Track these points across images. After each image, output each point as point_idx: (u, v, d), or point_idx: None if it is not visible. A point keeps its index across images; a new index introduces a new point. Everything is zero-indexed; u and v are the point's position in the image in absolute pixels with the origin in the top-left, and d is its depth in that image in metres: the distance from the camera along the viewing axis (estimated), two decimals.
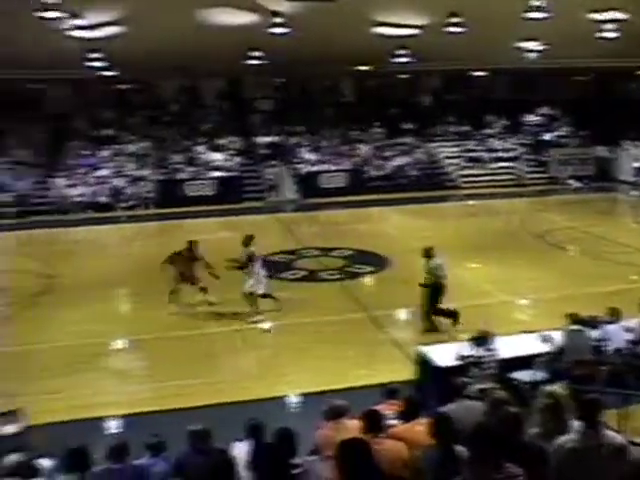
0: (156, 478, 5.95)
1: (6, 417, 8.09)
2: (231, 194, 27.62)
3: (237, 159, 29.85)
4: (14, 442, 7.32)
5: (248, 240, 13.33)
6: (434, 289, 12.28)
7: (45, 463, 6.58)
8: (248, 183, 28.63)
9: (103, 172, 28.30)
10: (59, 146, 30.12)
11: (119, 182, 27.78)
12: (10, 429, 8.00)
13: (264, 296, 13.45)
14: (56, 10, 13.44)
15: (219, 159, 29.43)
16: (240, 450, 6.16)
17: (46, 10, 13.45)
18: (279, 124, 31.74)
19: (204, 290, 13.96)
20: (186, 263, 13.89)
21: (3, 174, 27.88)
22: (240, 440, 6.32)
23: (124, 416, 9.66)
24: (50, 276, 17.40)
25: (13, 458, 5.37)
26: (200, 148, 29.89)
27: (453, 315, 12.40)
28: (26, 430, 8.17)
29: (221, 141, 30.45)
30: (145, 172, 28.54)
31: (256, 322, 13.27)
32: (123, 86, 32.92)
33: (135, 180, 27.97)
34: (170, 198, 27.20)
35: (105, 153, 29.58)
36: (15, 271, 18.40)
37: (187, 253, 13.99)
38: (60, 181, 27.59)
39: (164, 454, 6.29)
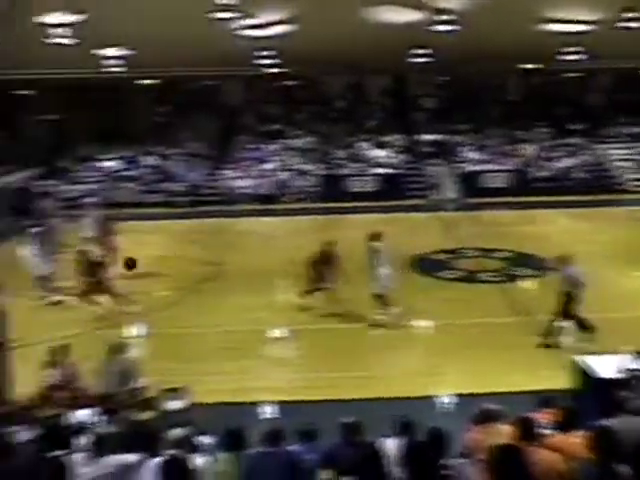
0: (306, 466, 6.05)
1: (173, 393, 8.59)
2: (393, 191, 27.68)
3: (400, 156, 29.91)
4: (179, 417, 7.79)
5: (375, 237, 13.11)
6: (568, 298, 11.72)
7: (205, 440, 6.97)
8: (410, 181, 28.55)
9: (269, 165, 29.29)
10: (229, 139, 31.52)
11: (284, 176, 28.65)
12: (176, 405, 8.49)
13: (378, 296, 13.13)
14: (230, 11, 14.05)
15: (382, 156, 29.61)
16: (390, 446, 6.15)
17: (221, 11, 14.09)
18: (442, 122, 31.42)
19: (324, 290, 13.97)
20: (324, 262, 13.85)
21: (177, 165, 29.57)
22: (388, 436, 6.35)
23: (279, 402, 9.98)
24: (215, 264, 18.24)
25: (178, 432, 5.70)
26: (364, 144, 30.19)
27: (587, 327, 11.74)
28: (190, 407, 8.67)
29: (385, 138, 30.59)
30: (309, 167, 29.22)
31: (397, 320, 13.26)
32: (290, 82, 33.78)
33: (300, 174, 28.72)
34: (333, 193, 27.68)
35: (272, 147, 30.57)
36: (184, 258, 19.40)
37: (324, 252, 13.97)
38: (229, 173, 28.87)
39: (314, 443, 6.41)
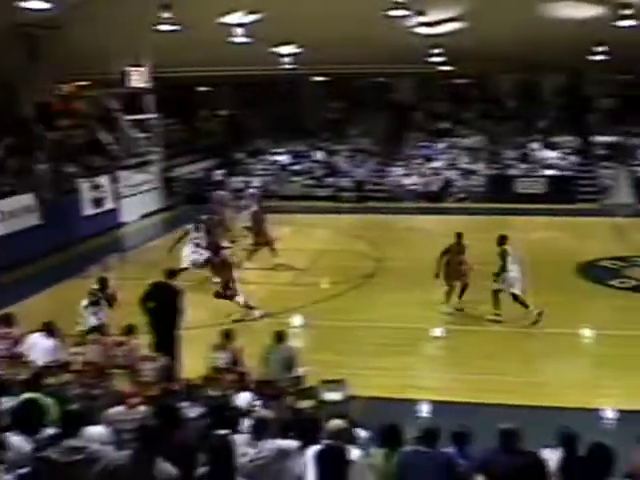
0: (461, 469, 5.96)
1: (332, 385, 8.81)
2: (563, 194, 26.64)
3: (571, 158, 28.72)
4: (337, 409, 7.99)
5: (501, 240, 13.25)
6: None
7: (361, 433, 7.11)
8: (582, 184, 27.37)
9: (437, 164, 29.13)
10: (398, 136, 31.65)
11: (451, 174, 28.39)
12: (335, 396, 8.69)
13: (514, 297, 13.08)
14: (403, 8, 14.11)
15: (553, 157, 28.58)
16: (549, 457, 5.94)
17: (393, 9, 14.19)
18: (618, 123, 29.82)
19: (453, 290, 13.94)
20: (455, 257, 13.83)
21: (345, 161, 30.08)
22: (549, 447, 6.15)
23: (434, 402, 10.00)
24: (378, 259, 18.44)
25: (336, 423, 5.85)
26: (534, 145, 29.28)
27: None
28: (347, 400, 8.86)
29: (556, 139, 29.49)
30: (477, 166, 28.77)
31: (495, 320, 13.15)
32: (460, 80, 33.39)
33: (467, 173, 28.35)
34: (500, 193, 27.05)
35: (440, 145, 30.37)
36: (349, 252, 19.76)
37: (456, 247, 13.94)
38: (397, 170, 29.00)
39: (468, 446, 6.32)
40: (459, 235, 14.05)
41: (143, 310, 10.52)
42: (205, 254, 15.94)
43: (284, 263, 17.44)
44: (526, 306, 13.07)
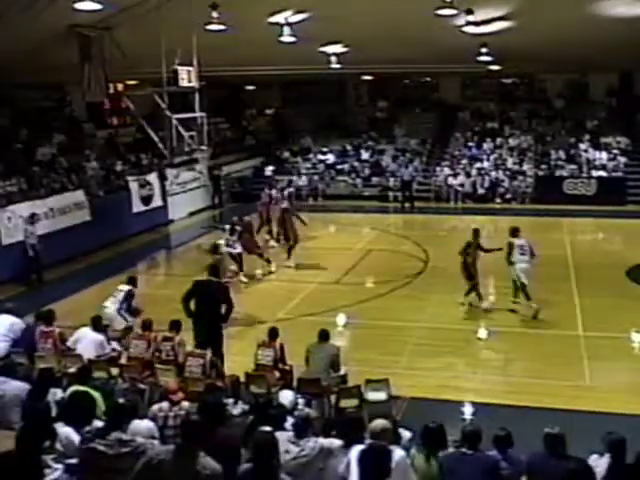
0: (506, 473, 5.90)
1: (376, 384, 8.80)
2: (612, 195, 26.14)
3: (621, 159, 28.17)
4: (380, 408, 7.99)
5: (513, 232, 13.81)
6: None
7: (404, 433, 7.10)
8: (632, 185, 26.86)
9: (484, 164, 28.86)
10: (444, 136, 31.46)
11: (498, 175, 28.10)
12: (379, 396, 8.68)
13: (522, 287, 13.52)
14: (452, 7, 14.01)
15: (602, 158, 28.07)
16: (596, 464, 5.83)
17: (443, 8, 14.11)
18: None
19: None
20: (474, 253, 14.10)
21: (391, 160, 29.99)
22: (595, 453, 6.04)
23: (477, 404, 9.92)
24: (424, 259, 18.37)
25: (379, 423, 5.83)
26: (583, 145, 28.79)
27: None
28: (390, 399, 8.85)
29: (606, 139, 28.95)
30: (524, 166, 28.42)
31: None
32: (508, 80, 33.03)
33: (514, 174, 28.03)
34: (547, 194, 26.67)
35: (487, 146, 30.08)
36: (395, 251, 19.71)
37: (474, 242, 14.20)
38: (443, 170, 28.81)
39: (511, 450, 6.24)
40: (476, 231, 14.53)
41: (187, 307, 10.64)
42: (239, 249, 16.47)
43: (291, 265, 17.75)
44: (529, 298, 13.45)
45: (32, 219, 17.35)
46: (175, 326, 10.03)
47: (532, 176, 27.78)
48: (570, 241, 20.18)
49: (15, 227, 17.62)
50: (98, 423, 5.96)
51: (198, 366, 9.17)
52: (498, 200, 27.27)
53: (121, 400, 6.63)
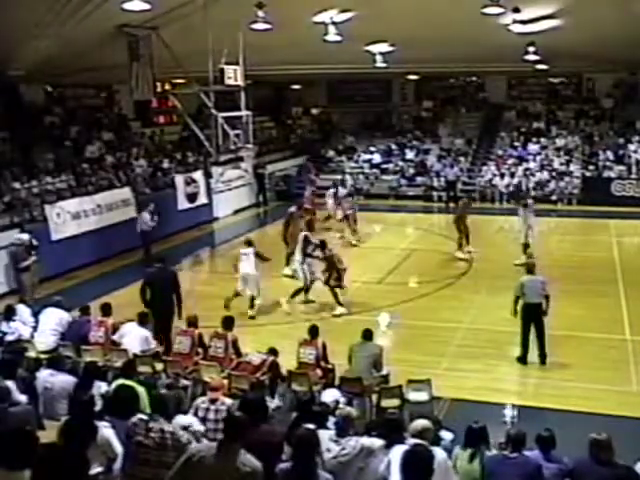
0: (549, 477, 5.85)
1: (417, 385, 8.78)
2: None
3: None
4: (422, 409, 7.97)
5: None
6: None
7: (446, 434, 7.06)
8: None
9: (530, 165, 28.49)
10: (490, 136, 31.14)
11: (544, 175, 27.72)
12: (420, 396, 8.66)
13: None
14: (498, 6, 13.85)
15: None
16: None
17: (489, 6, 13.96)
18: None
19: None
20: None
21: (436, 160, 29.79)
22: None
23: (519, 406, 9.84)
24: (468, 260, 18.22)
25: (421, 423, 5.82)
26: (632, 146, 28.20)
27: None
28: (432, 400, 8.81)
29: None
30: (571, 167, 27.98)
31: None
32: (555, 79, 32.53)
33: (560, 175, 27.62)
34: (595, 196, 26.19)
35: (533, 146, 29.68)
36: (439, 252, 19.57)
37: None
38: (488, 170, 28.53)
39: (554, 453, 6.19)
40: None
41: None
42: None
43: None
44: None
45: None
46: (228, 324, 10.10)
47: (579, 177, 27.34)
48: (617, 243, 19.81)
49: (64, 223, 17.96)
50: (142, 416, 6.04)
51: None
52: (545, 200, 26.70)
53: (164, 394, 6.69)
